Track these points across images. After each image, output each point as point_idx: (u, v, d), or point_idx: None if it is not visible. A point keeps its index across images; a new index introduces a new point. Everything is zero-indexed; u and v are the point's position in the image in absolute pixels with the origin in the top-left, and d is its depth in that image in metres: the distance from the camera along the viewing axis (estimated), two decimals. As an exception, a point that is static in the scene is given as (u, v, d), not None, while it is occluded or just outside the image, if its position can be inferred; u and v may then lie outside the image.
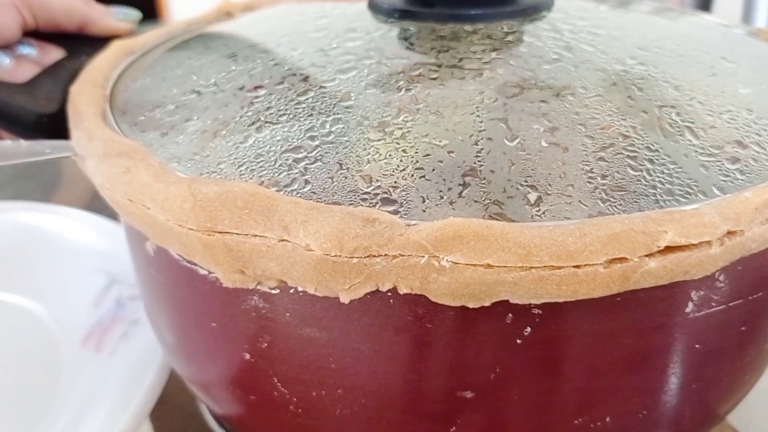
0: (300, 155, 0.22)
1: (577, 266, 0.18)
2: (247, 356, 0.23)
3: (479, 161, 0.21)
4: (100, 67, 0.29)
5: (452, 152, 0.21)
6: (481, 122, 0.22)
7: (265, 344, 0.22)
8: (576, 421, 0.22)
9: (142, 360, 0.35)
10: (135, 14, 0.36)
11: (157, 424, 0.35)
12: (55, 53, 0.33)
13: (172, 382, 0.34)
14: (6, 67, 0.32)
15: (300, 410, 0.23)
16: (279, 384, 0.23)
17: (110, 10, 0.36)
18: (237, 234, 0.20)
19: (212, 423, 0.34)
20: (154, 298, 0.27)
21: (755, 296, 0.22)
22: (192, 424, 0.36)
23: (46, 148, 0.25)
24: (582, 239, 0.18)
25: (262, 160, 0.22)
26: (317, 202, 0.20)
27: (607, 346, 0.21)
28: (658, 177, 0.21)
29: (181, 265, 0.23)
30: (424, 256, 0.18)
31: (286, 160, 0.22)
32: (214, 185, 0.20)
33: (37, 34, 0.34)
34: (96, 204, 0.49)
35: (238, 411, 0.26)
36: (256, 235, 0.19)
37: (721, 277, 0.21)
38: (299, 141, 0.22)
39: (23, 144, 0.26)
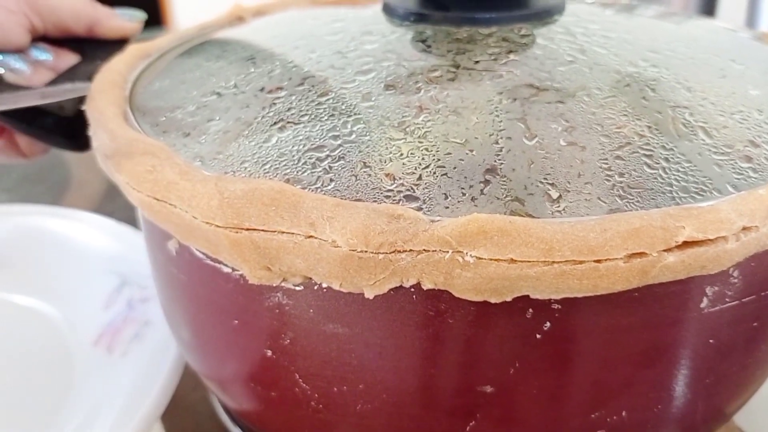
0: (323, 154, 0.22)
1: (598, 261, 0.19)
2: (269, 353, 0.23)
3: (499, 159, 0.22)
4: (118, 69, 0.29)
5: (472, 151, 0.22)
6: (500, 122, 0.23)
7: (288, 341, 0.23)
8: (593, 415, 0.22)
9: (154, 361, 0.35)
10: (140, 14, 0.37)
11: (168, 425, 0.35)
12: (70, 58, 0.34)
13: (184, 383, 0.34)
14: (23, 73, 0.32)
15: (321, 406, 0.23)
16: (300, 380, 0.23)
17: (115, 11, 0.36)
18: (264, 231, 0.20)
19: (226, 420, 0.34)
20: (174, 297, 0.27)
21: (767, 292, 0.23)
22: (204, 424, 0.36)
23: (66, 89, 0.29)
24: (603, 234, 0.19)
25: (286, 159, 0.22)
26: (342, 199, 0.20)
27: (624, 341, 0.21)
28: (674, 175, 0.21)
29: (204, 263, 0.23)
30: (448, 252, 0.19)
31: (310, 158, 0.22)
32: (241, 183, 0.21)
33: (50, 40, 0.34)
34: (105, 207, 0.49)
35: (257, 407, 0.26)
36: (282, 232, 0.20)
37: (735, 273, 0.21)
38: (322, 140, 0.23)
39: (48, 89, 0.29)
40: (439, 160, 0.22)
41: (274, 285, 0.21)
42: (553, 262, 0.19)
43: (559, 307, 0.20)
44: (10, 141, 0.34)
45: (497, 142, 0.22)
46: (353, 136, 0.23)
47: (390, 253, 0.19)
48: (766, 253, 0.21)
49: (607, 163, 0.21)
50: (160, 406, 0.33)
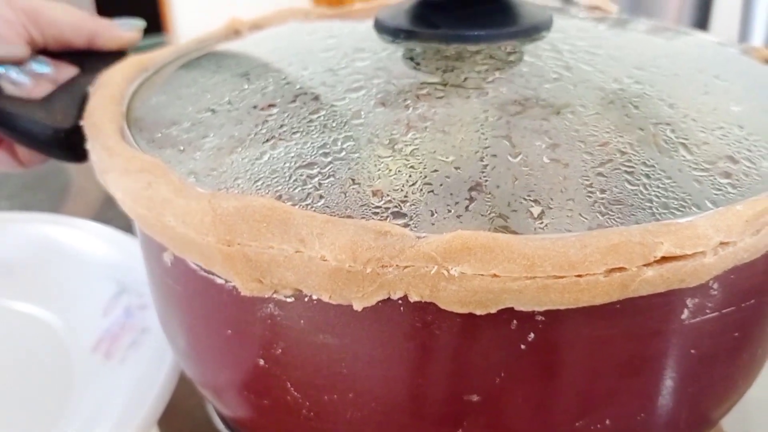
0: (313, 171, 0.23)
1: (579, 275, 0.19)
2: (262, 362, 0.24)
3: (484, 176, 0.22)
4: (116, 82, 0.30)
5: (459, 168, 0.22)
6: (485, 139, 0.23)
7: (280, 350, 0.23)
8: (577, 424, 0.23)
9: (152, 367, 0.35)
10: (139, 23, 0.38)
11: (164, 429, 0.36)
12: (69, 70, 0.35)
13: (181, 389, 0.35)
14: (23, 85, 0.33)
15: (312, 414, 0.24)
16: (292, 389, 0.24)
17: (114, 22, 0.37)
18: (255, 245, 0.21)
19: (221, 426, 0.35)
20: (170, 307, 0.28)
21: (747, 303, 0.23)
22: (200, 430, 0.37)
23: None
24: (583, 250, 0.19)
25: (277, 176, 0.23)
26: (331, 215, 0.21)
27: (606, 352, 0.22)
28: (654, 191, 0.22)
29: (199, 274, 0.24)
30: (434, 267, 0.20)
31: (301, 175, 0.23)
32: (233, 200, 0.21)
33: (49, 52, 0.35)
34: (104, 214, 0.50)
35: (250, 415, 0.27)
36: (273, 247, 0.21)
37: (715, 285, 0.22)
38: (312, 157, 0.23)
39: None
40: (425, 177, 0.22)
41: (266, 297, 0.22)
42: (535, 276, 0.19)
43: (543, 318, 0.21)
44: (10, 150, 0.35)
45: (482, 160, 0.23)
46: (343, 153, 0.23)
47: (377, 267, 0.20)
48: (745, 266, 0.22)
49: (589, 180, 0.22)
50: (157, 412, 0.33)
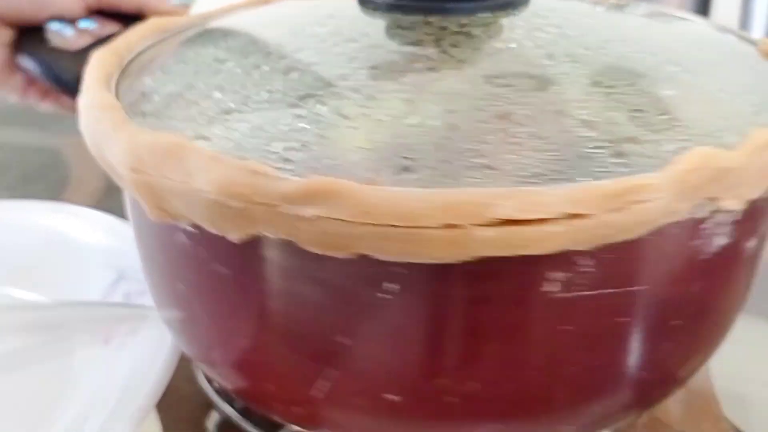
0: (230, 116, 0.25)
1: (415, 227, 0.20)
2: (182, 287, 0.27)
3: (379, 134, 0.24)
4: (129, 39, 0.34)
5: (354, 125, 0.24)
6: (412, 101, 0.25)
7: (192, 276, 0.26)
8: (438, 381, 0.24)
9: (150, 352, 0.35)
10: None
11: (162, 414, 0.36)
12: (111, 27, 0.39)
13: (179, 374, 0.35)
14: (68, 38, 0.38)
15: (217, 341, 0.27)
16: (204, 315, 0.27)
17: None
18: (155, 175, 0.23)
19: (218, 402, 0.37)
20: (136, 239, 0.31)
21: (633, 288, 0.23)
22: (197, 413, 0.38)
23: None
24: (422, 203, 0.20)
25: (204, 118, 0.26)
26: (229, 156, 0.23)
27: (465, 313, 0.23)
28: (533, 162, 0.22)
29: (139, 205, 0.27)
30: (291, 207, 0.21)
31: (220, 120, 0.25)
32: (149, 135, 0.24)
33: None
34: (103, 204, 0.50)
35: (189, 345, 0.30)
36: (167, 178, 0.23)
37: (589, 262, 0.22)
38: (238, 105, 0.26)
39: None
40: (346, 137, 0.24)
41: (179, 226, 0.25)
42: (375, 224, 0.21)
43: (405, 272, 0.22)
44: (56, 98, 0.40)
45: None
46: (263, 104, 0.26)
47: (246, 204, 0.22)
48: (627, 246, 0.21)
49: (471, 145, 0.23)
50: (155, 396, 0.33)
